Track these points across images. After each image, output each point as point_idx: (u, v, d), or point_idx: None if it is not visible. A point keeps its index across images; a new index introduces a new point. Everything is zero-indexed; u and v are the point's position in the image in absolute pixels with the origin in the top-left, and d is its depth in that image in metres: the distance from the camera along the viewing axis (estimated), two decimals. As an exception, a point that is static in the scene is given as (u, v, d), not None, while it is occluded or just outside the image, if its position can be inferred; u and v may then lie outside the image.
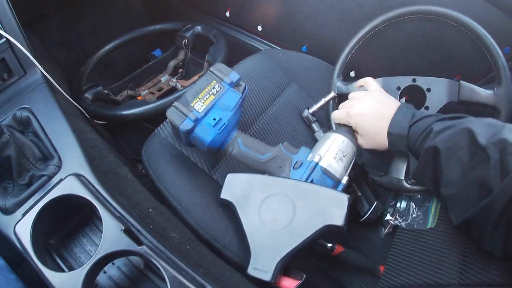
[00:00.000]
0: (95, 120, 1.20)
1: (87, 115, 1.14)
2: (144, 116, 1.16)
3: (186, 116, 0.84)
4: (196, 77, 1.40)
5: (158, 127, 1.02)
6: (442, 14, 1.04)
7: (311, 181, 0.84)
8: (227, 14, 1.64)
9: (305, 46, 1.46)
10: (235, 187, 0.86)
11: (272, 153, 0.89)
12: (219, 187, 0.93)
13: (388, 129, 0.86)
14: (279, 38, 1.55)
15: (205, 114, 0.86)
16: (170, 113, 0.85)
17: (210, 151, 0.89)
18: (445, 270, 0.82)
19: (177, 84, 1.53)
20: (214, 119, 0.86)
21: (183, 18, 1.70)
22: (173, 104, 0.85)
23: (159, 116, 1.14)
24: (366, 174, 1.05)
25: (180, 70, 1.65)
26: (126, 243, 0.62)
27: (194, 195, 0.90)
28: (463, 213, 0.70)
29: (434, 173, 0.77)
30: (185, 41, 1.56)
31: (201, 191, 0.92)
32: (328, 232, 0.77)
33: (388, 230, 1.07)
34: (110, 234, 0.63)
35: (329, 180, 0.86)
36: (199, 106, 0.86)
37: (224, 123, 0.86)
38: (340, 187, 0.87)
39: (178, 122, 0.84)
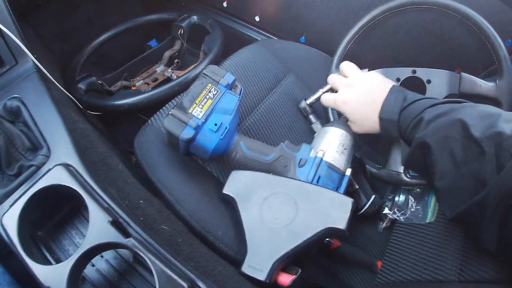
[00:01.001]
0: (89, 111, 1.18)
1: (80, 105, 1.12)
2: (137, 106, 1.14)
3: (186, 124, 0.79)
4: (191, 67, 1.37)
5: (151, 118, 1.00)
6: (443, 5, 1.02)
7: (318, 177, 0.84)
8: (224, 4, 1.62)
9: (303, 37, 1.44)
10: (239, 183, 0.85)
11: (275, 153, 0.88)
12: (213, 178, 0.92)
13: (379, 114, 0.85)
14: (277, 28, 1.54)
15: (205, 120, 0.82)
16: (168, 122, 0.80)
17: (212, 159, 0.86)
18: (444, 266, 0.81)
19: (172, 75, 1.51)
20: (215, 124, 0.82)
21: (179, 8, 1.69)
22: (170, 113, 0.81)
23: (152, 106, 1.12)
24: (364, 167, 1.03)
25: (176, 61, 1.63)
26: (113, 235, 0.60)
27: (187, 186, 0.89)
28: (456, 207, 0.69)
29: (426, 166, 0.76)
30: (181, 31, 1.54)
31: (195, 182, 0.90)
32: (329, 235, 0.76)
33: (386, 224, 1.06)
34: (97, 226, 0.61)
35: (335, 174, 0.87)
36: (198, 112, 0.82)
37: (226, 128, 0.83)
38: (346, 180, 0.88)
39: (178, 131, 0.79)
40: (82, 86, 1.25)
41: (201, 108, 0.82)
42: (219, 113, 0.84)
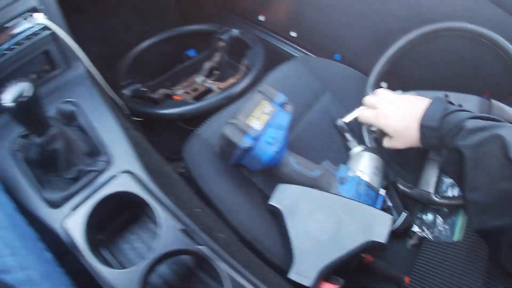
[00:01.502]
0: (133, 117, 1.21)
1: (126, 111, 1.16)
2: (183, 116, 1.18)
3: (246, 133, 0.84)
4: (231, 80, 1.41)
5: (198, 128, 1.04)
6: (476, 33, 1.06)
7: (359, 194, 0.90)
8: (261, 18, 1.66)
9: (338, 55, 1.48)
10: (285, 196, 0.89)
11: (320, 170, 0.94)
12: (257, 190, 0.96)
13: (420, 122, 0.85)
14: (312, 45, 1.57)
15: (263, 133, 0.86)
16: (228, 130, 0.85)
17: (263, 170, 0.91)
18: (470, 283, 0.84)
19: (213, 86, 1.55)
20: (272, 138, 0.87)
21: (215, 20, 1.72)
22: (230, 121, 0.85)
23: (199, 116, 1.16)
24: (397, 186, 1.07)
25: (216, 72, 1.66)
26: (184, 242, 0.64)
27: (237, 197, 0.93)
28: (484, 222, 0.70)
29: (460, 175, 0.76)
30: (221, 44, 1.58)
31: (243, 193, 0.95)
32: (370, 248, 0.82)
33: (414, 241, 1.08)
34: (168, 233, 0.65)
35: (372, 192, 0.93)
36: (256, 124, 0.86)
37: (281, 142, 0.88)
38: (381, 199, 0.94)
39: (237, 139, 0.84)
40: (127, 92, 1.29)
41: (259, 121, 0.87)
42: (274, 128, 0.89)
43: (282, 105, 0.93)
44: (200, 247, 0.64)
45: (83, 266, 0.67)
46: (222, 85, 1.53)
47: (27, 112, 0.66)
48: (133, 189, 0.71)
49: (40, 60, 0.89)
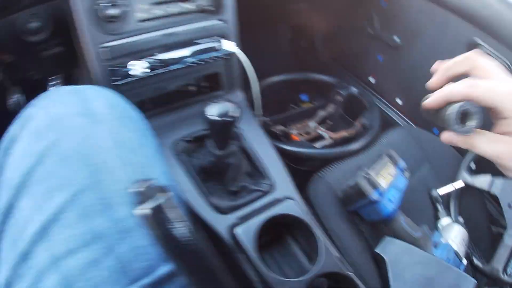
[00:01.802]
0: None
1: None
2: (310, 157, 1.35)
3: (376, 188, 1.01)
4: (343, 132, 1.57)
5: (322, 172, 1.21)
6: None
7: (448, 259, 1.06)
8: (371, 79, 1.81)
9: (437, 130, 1.61)
10: (391, 248, 1.03)
11: (421, 232, 1.10)
12: (363, 237, 1.13)
13: None
14: (414, 115, 1.70)
15: (387, 191, 1.03)
16: (362, 181, 1.02)
17: (377, 222, 1.07)
18: None
19: (325, 134, 1.70)
20: (393, 197, 1.04)
21: (325, 69, 1.84)
22: (364, 175, 1.02)
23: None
24: (471, 258, 1.22)
25: (328, 122, 1.82)
26: (338, 267, 0.80)
27: (351, 239, 1.08)
28: None
29: None
30: (338, 97, 1.74)
31: (356, 237, 1.10)
32: None
33: None
34: (326, 257, 0.80)
35: (457, 260, 1.08)
36: (382, 182, 1.03)
37: (398, 202, 1.06)
38: (463, 266, 1.09)
39: (368, 191, 1.01)
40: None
41: (385, 180, 1.04)
42: (394, 189, 1.06)
43: (402, 170, 1.11)
44: (350, 273, 0.80)
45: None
46: (334, 135, 1.68)
47: (226, 129, 0.81)
48: (298, 214, 0.85)
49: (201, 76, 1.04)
